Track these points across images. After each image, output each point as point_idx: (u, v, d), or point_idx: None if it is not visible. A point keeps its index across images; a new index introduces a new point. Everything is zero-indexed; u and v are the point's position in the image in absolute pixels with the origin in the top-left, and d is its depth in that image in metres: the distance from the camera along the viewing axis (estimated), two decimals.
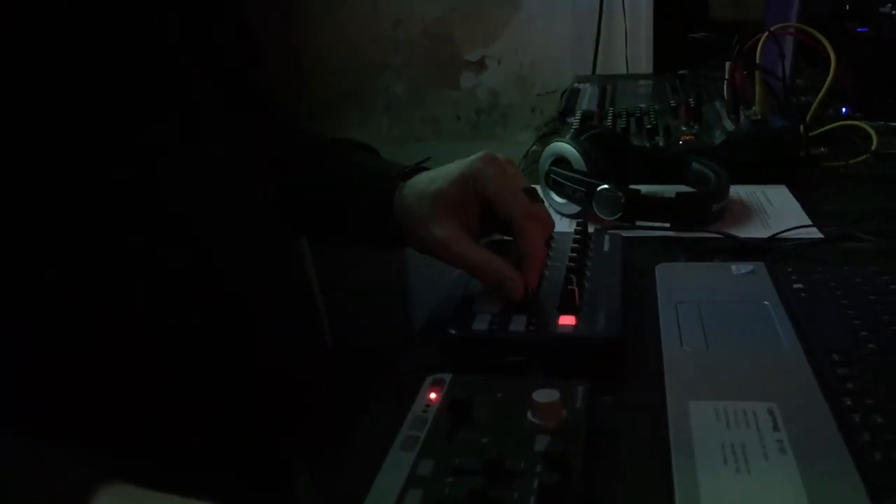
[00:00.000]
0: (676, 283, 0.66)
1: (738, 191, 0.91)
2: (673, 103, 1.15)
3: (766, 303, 0.60)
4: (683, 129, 1.06)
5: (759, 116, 1.00)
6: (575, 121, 1.13)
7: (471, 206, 0.64)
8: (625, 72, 1.90)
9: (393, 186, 0.67)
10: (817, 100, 1.01)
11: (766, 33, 1.04)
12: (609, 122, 1.10)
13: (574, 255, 0.66)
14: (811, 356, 0.52)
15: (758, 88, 1.01)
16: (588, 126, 0.93)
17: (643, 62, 1.93)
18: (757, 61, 1.02)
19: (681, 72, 1.43)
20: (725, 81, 1.05)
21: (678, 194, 0.83)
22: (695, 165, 0.93)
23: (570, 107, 1.26)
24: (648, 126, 1.04)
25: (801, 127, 0.99)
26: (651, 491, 0.42)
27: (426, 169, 0.69)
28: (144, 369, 0.55)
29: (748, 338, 0.56)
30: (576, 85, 1.44)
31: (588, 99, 1.32)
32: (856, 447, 0.42)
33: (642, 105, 1.18)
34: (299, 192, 0.73)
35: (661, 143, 1.02)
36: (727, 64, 1.03)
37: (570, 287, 0.60)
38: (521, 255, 0.62)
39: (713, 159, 0.94)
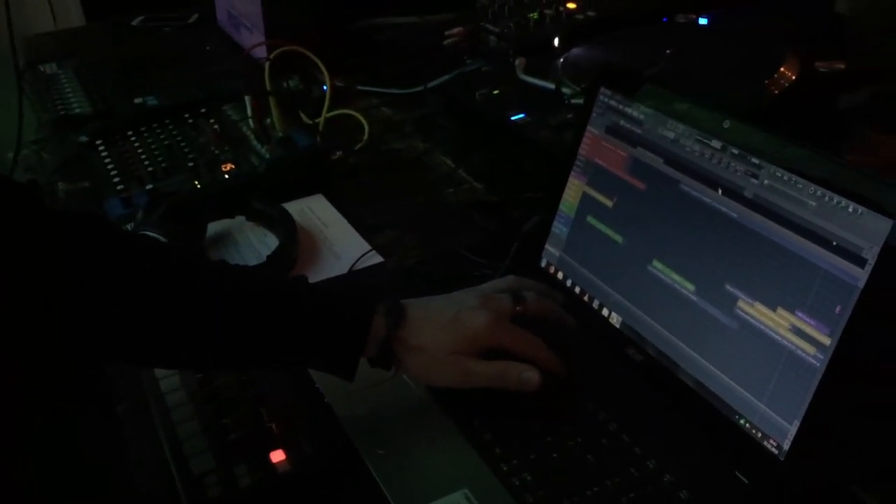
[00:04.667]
0: None
1: (290, 210, 1.06)
2: (191, 120, 1.21)
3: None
4: (217, 152, 1.15)
5: (282, 134, 1.14)
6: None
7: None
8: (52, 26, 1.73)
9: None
10: (325, 108, 1.18)
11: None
12: (147, 163, 1.13)
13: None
14: (457, 422, 0.74)
15: (273, 110, 1.14)
16: (155, 198, 0.97)
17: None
18: (267, 87, 1.14)
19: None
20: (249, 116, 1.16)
21: (267, 258, 0.95)
22: (255, 204, 1.05)
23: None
24: (190, 164, 1.11)
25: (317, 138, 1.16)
26: None
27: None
28: None
29: (414, 420, 0.75)
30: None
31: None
32: None
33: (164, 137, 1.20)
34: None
35: (206, 176, 1.10)
36: (247, 98, 1.14)
37: (266, 425, 0.73)
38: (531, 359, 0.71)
39: (262, 186, 1.08)
